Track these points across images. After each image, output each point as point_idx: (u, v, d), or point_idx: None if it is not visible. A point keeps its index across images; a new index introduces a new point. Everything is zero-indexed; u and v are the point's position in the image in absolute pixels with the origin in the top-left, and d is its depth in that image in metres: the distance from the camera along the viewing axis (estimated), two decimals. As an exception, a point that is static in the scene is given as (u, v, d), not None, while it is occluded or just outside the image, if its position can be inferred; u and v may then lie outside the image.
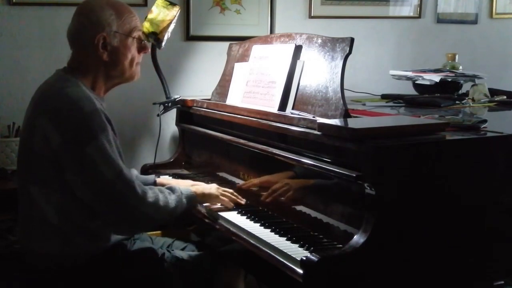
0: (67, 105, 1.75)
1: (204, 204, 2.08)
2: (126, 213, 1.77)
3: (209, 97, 2.63)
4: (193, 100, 2.60)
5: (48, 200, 1.78)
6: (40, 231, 1.81)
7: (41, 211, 1.79)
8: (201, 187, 2.08)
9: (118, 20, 1.88)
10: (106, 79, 1.93)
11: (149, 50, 2.02)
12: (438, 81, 2.83)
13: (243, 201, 2.07)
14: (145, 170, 2.64)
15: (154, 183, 2.18)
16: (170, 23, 2.46)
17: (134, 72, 1.96)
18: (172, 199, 1.87)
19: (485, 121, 1.94)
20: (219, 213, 2.01)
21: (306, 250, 1.64)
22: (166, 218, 1.88)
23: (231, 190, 2.10)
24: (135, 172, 2.25)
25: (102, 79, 1.91)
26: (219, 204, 2.07)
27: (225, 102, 2.43)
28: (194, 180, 2.40)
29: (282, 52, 2.16)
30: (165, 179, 2.26)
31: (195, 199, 1.99)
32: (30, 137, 1.80)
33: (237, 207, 2.05)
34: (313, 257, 1.49)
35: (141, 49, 1.97)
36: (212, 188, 2.08)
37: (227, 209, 2.04)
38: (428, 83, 2.86)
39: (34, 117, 1.79)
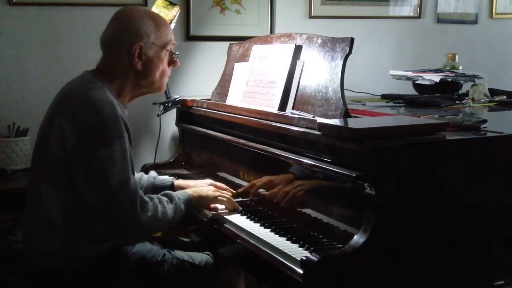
0: (87, 107, 1.74)
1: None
2: (122, 225, 1.75)
3: (209, 97, 2.63)
4: (193, 100, 2.60)
5: (55, 201, 1.78)
6: (44, 230, 1.81)
7: (47, 210, 1.79)
8: (198, 189, 2.06)
9: (156, 32, 1.90)
10: (134, 88, 1.93)
11: (179, 64, 2.02)
12: (438, 81, 2.83)
13: (239, 208, 2.04)
14: (145, 170, 2.63)
15: (172, 185, 2.17)
16: (170, 23, 2.46)
17: (162, 84, 1.98)
18: (170, 208, 1.86)
19: (485, 121, 1.94)
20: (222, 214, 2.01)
21: (306, 250, 1.64)
22: (166, 227, 1.88)
23: (229, 194, 2.08)
24: (153, 174, 2.25)
25: (130, 87, 1.92)
26: (218, 205, 2.05)
27: (225, 102, 2.43)
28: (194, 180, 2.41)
29: (282, 52, 2.16)
30: (183, 181, 2.21)
31: (191, 202, 1.97)
32: (47, 134, 1.80)
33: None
34: (313, 257, 1.49)
35: (171, 62, 1.98)
36: (209, 190, 2.06)
37: (229, 211, 2.03)
38: (428, 83, 2.86)
39: (54, 116, 1.79)
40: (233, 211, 2.03)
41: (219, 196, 2.05)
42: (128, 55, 1.86)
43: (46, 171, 1.80)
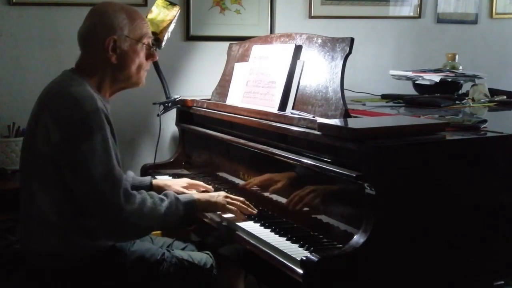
0: (69, 103, 1.76)
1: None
2: (107, 216, 1.75)
3: (209, 97, 2.63)
4: (193, 100, 2.60)
5: (48, 198, 1.79)
6: (40, 229, 1.81)
7: (41, 209, 1.80)
8: (207, 195, 2.03)
9: (130, 25, 1.90)
10: (112, 82, 1.93)
11: (157, 57, 2.02)
12: (438, 81, 2.83)
13: (255, 211, 1.98)
14: (145, 170, 2.64)
15: (150, 185, 2.18)
16: (170, 23, 2.46)
17: (140, 78, 1.97)
18: (163, 206, 1.83)
19: (485, 121, 1.94)
20: (222, 215, 2.00)
21: (306, 250, 1.64)
22: (155, 225, 1.86)
23: (241, 199, 2.01)
24: (131, 174, 2.25)
25: (108, 81, 1.92)
26: (227, 213, 1.99)
27: (225, 102, 2.43)
28: (194, 180, 2.41)
29: (282, 52, 2.16)
30: (161, 180, 2.23)
31: (196, 206, 1.94)
32: (33, 134, 1.81)
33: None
34: (313, 257, 1.49)
35: (149, 56, 1.98)
36: (219, 196, 2.00)
37: (239, 218, 1.95)
38: (428, 83, 2.86)
39: (38, 115, 1.81)
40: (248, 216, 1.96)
41: (229, 203, 1.98)
42: (103, 48, 1.86)
43: (36, 170, 1.81)
